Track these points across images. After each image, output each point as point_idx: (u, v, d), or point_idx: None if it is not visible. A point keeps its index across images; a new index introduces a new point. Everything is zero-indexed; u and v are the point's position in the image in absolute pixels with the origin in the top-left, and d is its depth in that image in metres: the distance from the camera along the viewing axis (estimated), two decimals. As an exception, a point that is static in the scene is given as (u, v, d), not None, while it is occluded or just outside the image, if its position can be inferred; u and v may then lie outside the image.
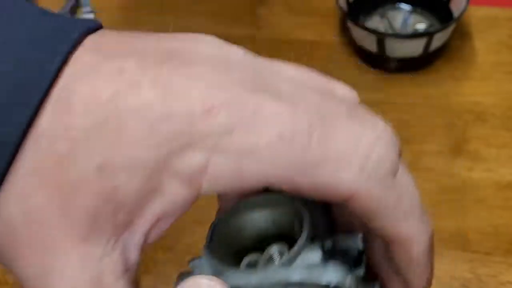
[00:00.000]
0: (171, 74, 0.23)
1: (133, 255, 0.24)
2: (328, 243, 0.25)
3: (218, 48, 0.25)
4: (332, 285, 0.23)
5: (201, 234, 0.71)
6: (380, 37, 0.74)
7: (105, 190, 0.23)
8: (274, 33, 0.83)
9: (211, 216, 0.71)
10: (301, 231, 0.25)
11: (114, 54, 0.23)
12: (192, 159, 0.23)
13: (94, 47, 0.24)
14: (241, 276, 0.25)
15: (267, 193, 0.27)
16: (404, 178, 0.27)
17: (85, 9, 0.87)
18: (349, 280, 0.24)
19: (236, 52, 0.25)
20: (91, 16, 0.86)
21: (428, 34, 0.74)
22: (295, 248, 0.25)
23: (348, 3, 0.79)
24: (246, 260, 0.27)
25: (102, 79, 0.23)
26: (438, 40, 0.75)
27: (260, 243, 0.27)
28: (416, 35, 0.75)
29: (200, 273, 0.25)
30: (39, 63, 0.22)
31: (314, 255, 0.24)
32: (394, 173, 0.26)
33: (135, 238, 0.24)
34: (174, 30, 0.82)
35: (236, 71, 0.24)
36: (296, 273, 0.24)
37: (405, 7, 0.82)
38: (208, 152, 0.23)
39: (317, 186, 0.24)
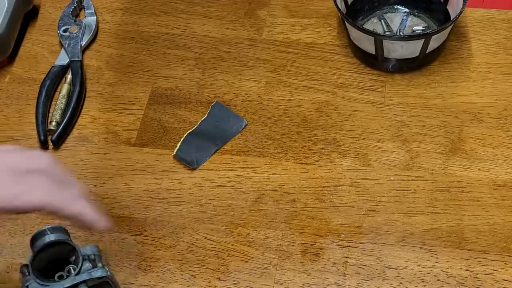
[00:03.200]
0: None
1: None
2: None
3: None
4: (103, 275, 0.58)
5: (201, 233, 0.71)
6: (378, 39, 0.75)
7: None
8: (273, 35, 0.84)
9: (211, 216, 0.72)
10: (78, 256, 0.59)
11: None
12: None
13: None
14: (56, 283, 0.57)
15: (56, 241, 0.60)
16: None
17: (87, 10, 0.87)
18: (109, 273, 0.58)
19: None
20: (93, 18, 0.87)
21: (425, 36, 0.74)
22: (79, 265, 0.58)
23: (346, 5, 0.80)
24: (56, 275, 0.58)
25: None
26: (435, 41, 0.76)
27: (63, 264, 0.59)
28: (413, 36, 0.75)
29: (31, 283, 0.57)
30: None
31: (87, 265, 0.58)
32: None
33: None
34: (175, 31, 0.84)
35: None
36: (83, 276, 0.57)
37: (403, 9, 0.83)
38: None
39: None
